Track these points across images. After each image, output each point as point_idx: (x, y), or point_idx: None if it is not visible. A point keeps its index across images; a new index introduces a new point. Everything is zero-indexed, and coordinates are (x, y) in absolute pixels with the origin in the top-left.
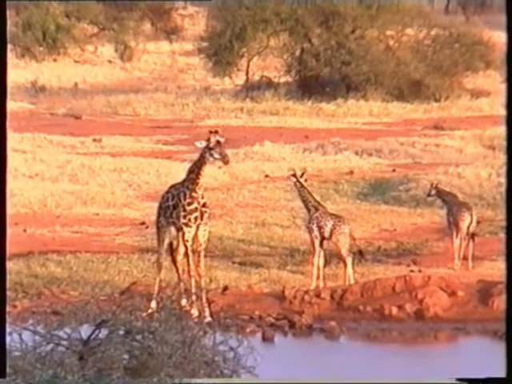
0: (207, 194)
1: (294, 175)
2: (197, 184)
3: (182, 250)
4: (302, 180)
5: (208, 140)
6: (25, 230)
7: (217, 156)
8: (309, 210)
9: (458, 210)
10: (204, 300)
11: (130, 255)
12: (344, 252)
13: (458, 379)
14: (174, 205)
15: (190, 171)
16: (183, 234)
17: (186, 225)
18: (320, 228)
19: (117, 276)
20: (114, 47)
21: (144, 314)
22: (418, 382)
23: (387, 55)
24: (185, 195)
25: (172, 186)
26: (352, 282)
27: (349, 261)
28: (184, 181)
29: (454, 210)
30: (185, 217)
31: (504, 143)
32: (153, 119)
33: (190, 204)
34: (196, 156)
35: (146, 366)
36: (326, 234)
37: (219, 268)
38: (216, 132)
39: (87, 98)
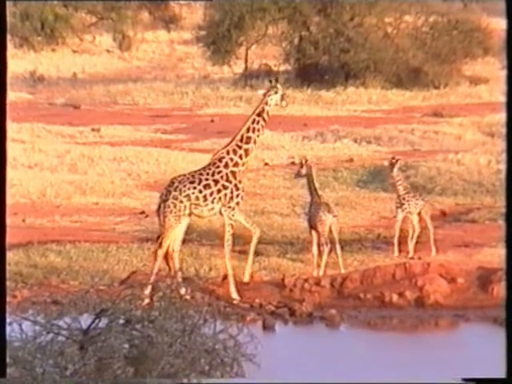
0: None
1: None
2: (248, 154)
3: (176, 242)
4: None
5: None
6: (24, 220)
7: (287, 99)
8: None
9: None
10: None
11: (130, 244)
12: (322, 240)
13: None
14: (219, 189)
15: (246, 142)
16: (232, 215)
17: (238, 204)
18: (309, 217)
19: (116, 265)
20: (112, 37)
21: (144, 303)
22: (419, 381)
23: (386, 42)
24: (234, 174)
25: (192, 174)
26: (342, 270)
27: (337, 249)
28: (223, 161)
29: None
30: (238, 196)
31: (503, 130)
32: (152, 108)
33: (240, 182)
34: (199, 144)
35: (147, 355)
36: (311, 223)
37: (219, 256)
38: (277, 80)
39: (86, 87)
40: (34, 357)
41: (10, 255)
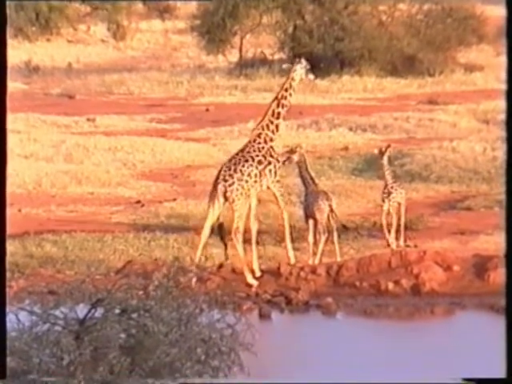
0: (202, 172)
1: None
2: (279, 130)
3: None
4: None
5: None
6: (20, 210)
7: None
8: (306, 187)
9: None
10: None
11: (126, 234)
12: (320, 228)
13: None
14: (267, 164)
15: (277, 117)
16: (281, 188)
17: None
18: (305, 205)
19: (112, 255)
20: (106, 26)
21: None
22: (417, 382)
23: (380, 31)
24: (273, 149)
25: (241, 154)
26: (338, 258)
27: (335, 237)
28: (262, 136)
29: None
30: (279, 169)
31: (498, 117)
32: (147, 98)
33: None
34: (194, 133)
35: (143, 345)
36: (308, 211)
37: (215, 245)
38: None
39: (81, 77)
40: (30, 347)
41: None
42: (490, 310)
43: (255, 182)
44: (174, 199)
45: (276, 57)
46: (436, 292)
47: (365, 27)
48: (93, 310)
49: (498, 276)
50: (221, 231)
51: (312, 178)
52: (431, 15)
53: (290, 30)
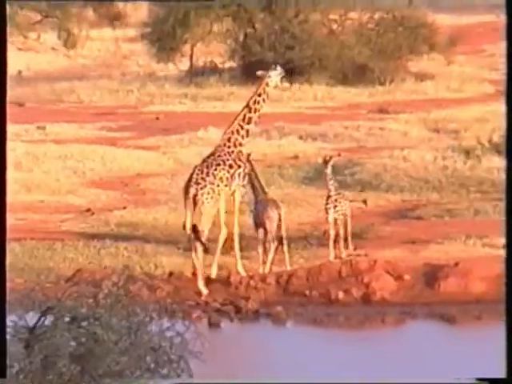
0: (152, 180)
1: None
2: (249, 135)
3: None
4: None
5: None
6: None
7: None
8: (255, 196)
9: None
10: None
11: (76, 242)
12: (269, 237)
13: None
14: (236, 168)
15: (248, 122)
16: (244, 194)
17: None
18: (255, 214)
19: (62, 263)
20: (57, 34)
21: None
22: (419, 382)
23: (331, 39)
24: (242, 153)
25: (212, 158)
26: (288, 267)
27: (284, 246)
28: (232, 141)
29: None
30: (246, 175)
31: (448, 126)
32: (97, 106)
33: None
34: (144, 141)
35: (93, 353)
36: (258, 220)
37: (164, 254)
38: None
39: (31, 85)
40: None
41: None
42: (441, 319)
43: (226, 186)
44: (124, 207)
45: (226, 65)
46: (386, 301)
47: (315, 36)
48: (42, 318)
49: (449, 285)
50: (196, 233)
51: (262, 187)
52: (382, 24)
53: (241, 38)
